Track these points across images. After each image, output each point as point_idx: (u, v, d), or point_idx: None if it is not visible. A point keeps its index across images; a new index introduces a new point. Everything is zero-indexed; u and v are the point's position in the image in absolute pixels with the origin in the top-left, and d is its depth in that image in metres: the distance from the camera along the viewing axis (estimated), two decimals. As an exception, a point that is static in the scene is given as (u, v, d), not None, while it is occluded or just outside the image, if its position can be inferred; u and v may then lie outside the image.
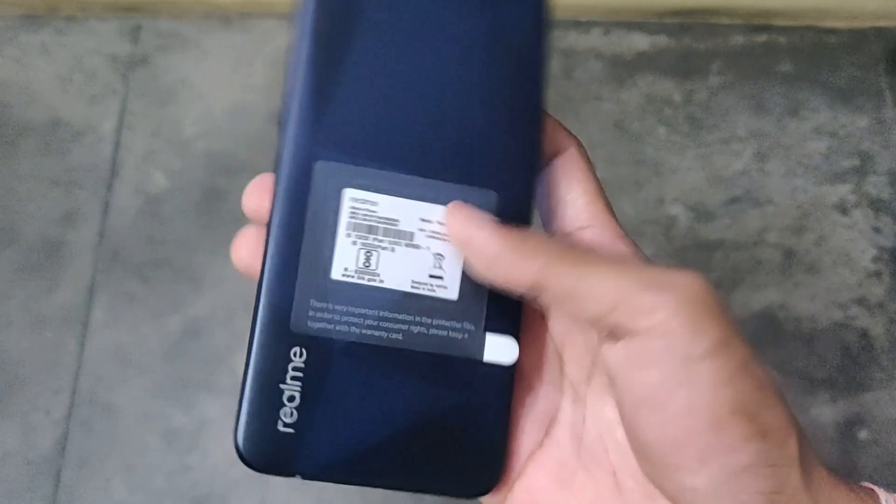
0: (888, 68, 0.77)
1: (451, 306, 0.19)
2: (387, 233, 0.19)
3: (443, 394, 0.19)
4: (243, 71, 0.77)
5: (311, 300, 0.18)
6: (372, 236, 0.19)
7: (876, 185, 0.73)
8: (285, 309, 0.18)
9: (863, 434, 0.65)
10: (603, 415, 0.19)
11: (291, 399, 0.18)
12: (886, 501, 0.19)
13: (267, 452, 0.18)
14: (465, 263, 0.19)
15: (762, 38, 0.79)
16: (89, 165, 0.73)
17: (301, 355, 0.18)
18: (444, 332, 0.19)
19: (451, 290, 0.19)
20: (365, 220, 0.19)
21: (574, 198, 0.20)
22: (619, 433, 0.19)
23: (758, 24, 0.79)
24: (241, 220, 0.18)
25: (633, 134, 0.75)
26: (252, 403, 0.18)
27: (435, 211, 0.19)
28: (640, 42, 0.78)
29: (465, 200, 0.19)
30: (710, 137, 0.75)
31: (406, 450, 0.18)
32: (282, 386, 0.18)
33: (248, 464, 0.18)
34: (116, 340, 0.67)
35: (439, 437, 0.19)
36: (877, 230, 0.71)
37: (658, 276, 0.17)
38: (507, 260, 0.18)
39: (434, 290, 0.19)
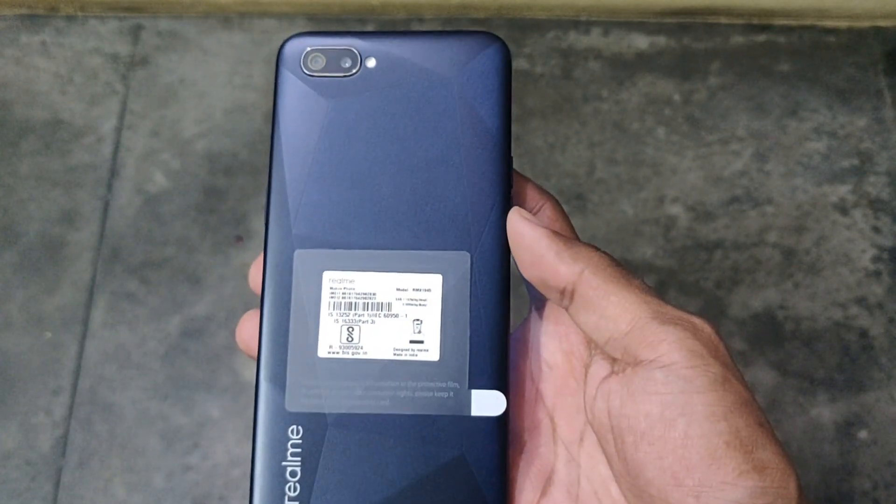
0: (887, 68, 0.77)
1: (434, 368, 0.20)
2: (366, 307, 0.20)
3: (436, 451, 0.20)
4: (243, 71, 0.77)
5: (302, 380, 0.20)
6: (352, 312, 0.20)
7: (875, 185, 0.73)
8: (279, 391, 0.20)
9: (862, 434, 0.65)
10: (596, 472, 0.20)
11: (294, 474, 0.20)
12: None
13: None
14: (513, 260, 0.20)
15: (761, 38, 0.79)
16: (89, 165, 0.73)
17: (298, 433, 0.20)
18: (430, 393, 0.20)
19: (432, 353, 0.20)
20: (344, 297, 0.20)
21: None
22: (614, 489, 0.19)
23: (757, 23, 0.79)
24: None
25: (632, 134, 0.75)
26: (260, 482, 0.20)
27: (410, 280, 0.20)
28: (640, 42, 0.79)
29: (438, 265, 0.20)
30: (710, 137, 0.75)
31: None
32: (284, 463, 0.20)
33: None
34: (116, 340, 0.67)
35: (438, 491, 0.20)
36: (876, 230, 0.72)
37: (671, 313, 0.18)
38: (550, 261, 0.19)
39: (416, 355, 0.20)
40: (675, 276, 0.70)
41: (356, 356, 0.20)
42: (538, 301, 0.22)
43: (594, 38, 0.79)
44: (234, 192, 0.72)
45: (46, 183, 0.73)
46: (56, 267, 0.70)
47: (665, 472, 0.17)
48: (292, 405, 0.20)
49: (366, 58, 0.21)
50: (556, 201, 0.22)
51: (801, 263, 0.70)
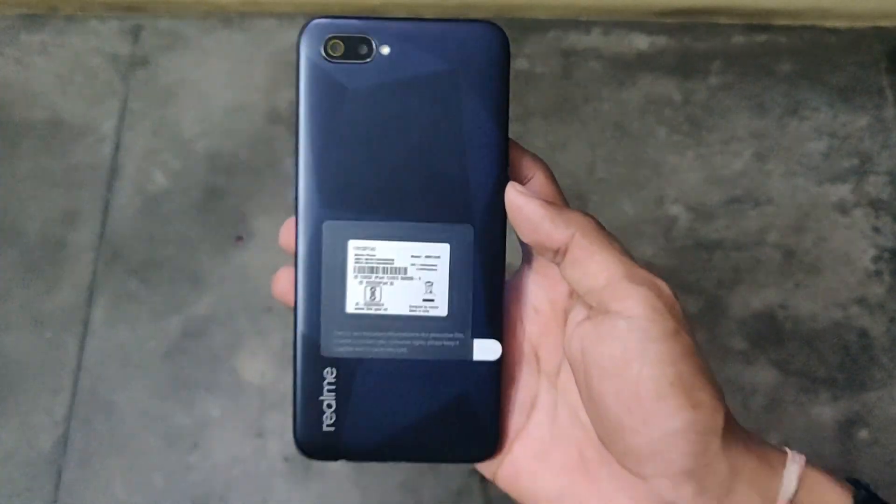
0: (888, 68, 0.77)
1: (443, 322, 0.24)
2: (385, 271, 0.24)
3: (445, 388, 0.24)
4: (243, 71, 0.77)
5: (334, 331, 0.24)
6: (374, 275, 0.24)
7: (876, 185, 0.73)
8: (316, 340, 0.24)
9: (863, 433, 0.65)
10: (570, 400, 0.24)
11: (329, 406, 0.24)
12: (792, 461, 0.22)
13: (317, 447, 0.24)
14: (514, 227, 0.23)
15: (762, 37, 0.79)
16: (89, 165, 0.73)
17: (332, 373, 0.24)
18: (440, 342, 0.24)
19: (441, 309, 0.24)
20: (367, 263, 0.24)
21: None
22: (582, 415, 0.23)
23: (758, 23, 0.79)
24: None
25: (633, 134, 0.75)
26: (302, 412, 0.24)
27: (423, 248, 0.24)
28: (640, 42, 0.79)
29: (446, 236, 0.24)
30: (710, 137, 0.75)
31: (421, 432, 0.24)
32: (320, 398, 0.24)
33: (305, 455, 0.24)
34: (117, 340, 0.67)
35: (446, 419, 0.24)
36: (876, 230, 0.72)
37: (640, 274, 0.22)
38: (545, 227, 0.22)
39: (428, 311, 0.24)
40: (675, 276, 0.70)
41: (378, 312, 0.24)
42: (529, 256, 0.25)
43: (594, 38, 0.79)
44: (234, 192, 0.72)
45: (47, 183, 0.73)
46: (56, 267, 0.70)
47: (621, 403, 0.21)
48: (327, 352, 0.24)
49: (380, 45, 0.23)
50: (547, 168, 0.25)
51: (802, 263, 0.70)
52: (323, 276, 0.24)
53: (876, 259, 0.70)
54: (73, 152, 0.74)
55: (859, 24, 0.79)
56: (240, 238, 0.71)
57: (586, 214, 0.23)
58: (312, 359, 0.24)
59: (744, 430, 0.22)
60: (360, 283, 0.24)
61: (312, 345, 0.24)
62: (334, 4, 0.79)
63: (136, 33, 0.79)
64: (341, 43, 0.23)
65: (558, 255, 0.23)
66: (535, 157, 0.25)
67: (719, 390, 0.21)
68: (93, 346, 0.67)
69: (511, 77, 0.23)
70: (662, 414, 0.21)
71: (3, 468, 0.64)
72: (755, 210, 0.72)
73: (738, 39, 0.79)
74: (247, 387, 0.65)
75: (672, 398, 0.21)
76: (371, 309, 0.24)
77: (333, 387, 0.24)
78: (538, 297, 0.25)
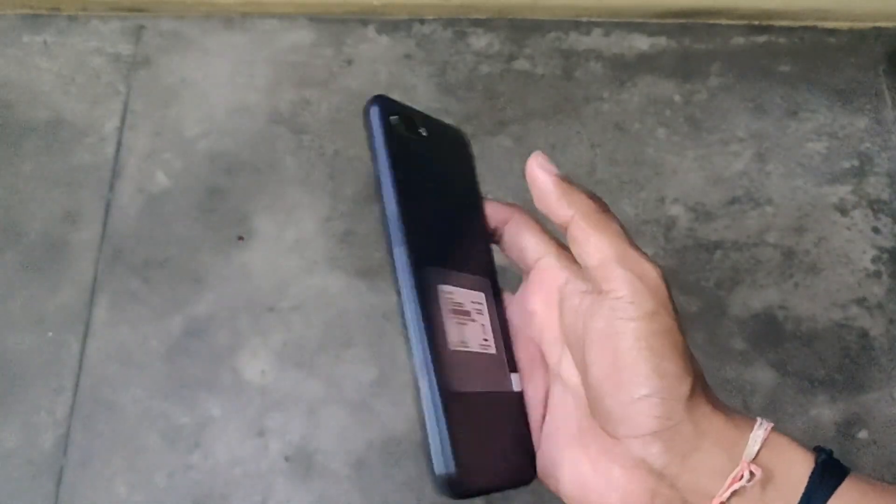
0: (888, 69, 0.78)
1: (497, 358, 0.27)
2: (465, 313, 0.27)
3: (510, 418, 0.27)
4: (245, 71, 0.77)
5: (447, 368, 0.26)
6: (458, 317, 0.27)
7: (875, 186, 0.73)
8: (434, 376, 0.26)
9: (862, 434, 0.65)
10: (570, 383, 0.27)
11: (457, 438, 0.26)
12: (759, 426, 0.24)
13: (452, 483, 0.25)
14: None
15: (762, 38, 0.79)
16: (91, 165, 0.73)
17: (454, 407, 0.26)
18: (499, 377, 0.27)
19: (492, 348, 0.28)
20: (452, 306, 0.27)
21: (527, 243, 0.28)
22: (580, 394, 0.26)
23: (758, 24, 0.79)
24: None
25: (633, 134, 0.75)
26: (432, 447, 0.25)
27: (474, 295, 0.28)
28: (641, 43, 0.79)
29: (480, 285, 0.28)
30: (710, 138, 0.75)
31: (505, 460, 0.26)
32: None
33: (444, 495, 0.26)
34: (118, 340, 0.67)
35: (513, 446, 0.27)
36: (876, 231, 0.72)
37: (631, 257, 0.25)
38: (553, 200, 0.26)
39: (486, 349, 0.27)
40: (675, 276, 0.70)
41: (466, 349, 0.26)
42: (525, 274, 0.29)
43: (595, 39, 0.79)
44: (235, 192, 0.72)
45: (49, 183, 0.73)
46: (58, 266, 0.70)
47: (601, 370, 0.24)
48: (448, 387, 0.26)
49: (420, 128, 0.28)
50: (520, 208, 0.29)
51: (801, 264, 0.70)
52: (425, 317, 0.26)
53: (875, 260, 0.71)
54: (75, 152, 0.74)
55: (859, 25, 0.79)
56: (241, 238, 0.71)
57: (591, 197, 0.26)
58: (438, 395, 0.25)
59: (717, 399, 0.25)
60: (452, 323, 0.26)
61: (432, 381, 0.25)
62: (336, 5, 0.79)
63: (137, 33, 0.79)
64: (402, 122, 0.27)
65: (562, 229, 0.26)
66: (508, 204, 0.29)
67: (690, 363, 0.24)
68: (94, 345, 0.67)
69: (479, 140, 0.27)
70: (632, 381, 0.24)
71: (5, 467, 0.64)
72: (755, 210, 0.72)
73: (738, 40, 0.79)
74: (248, 386, 0.65)
75: (642, 368, 0.24)
76: (462, 346, 0.26)
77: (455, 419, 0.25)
78: (533, 302, 0.28)
